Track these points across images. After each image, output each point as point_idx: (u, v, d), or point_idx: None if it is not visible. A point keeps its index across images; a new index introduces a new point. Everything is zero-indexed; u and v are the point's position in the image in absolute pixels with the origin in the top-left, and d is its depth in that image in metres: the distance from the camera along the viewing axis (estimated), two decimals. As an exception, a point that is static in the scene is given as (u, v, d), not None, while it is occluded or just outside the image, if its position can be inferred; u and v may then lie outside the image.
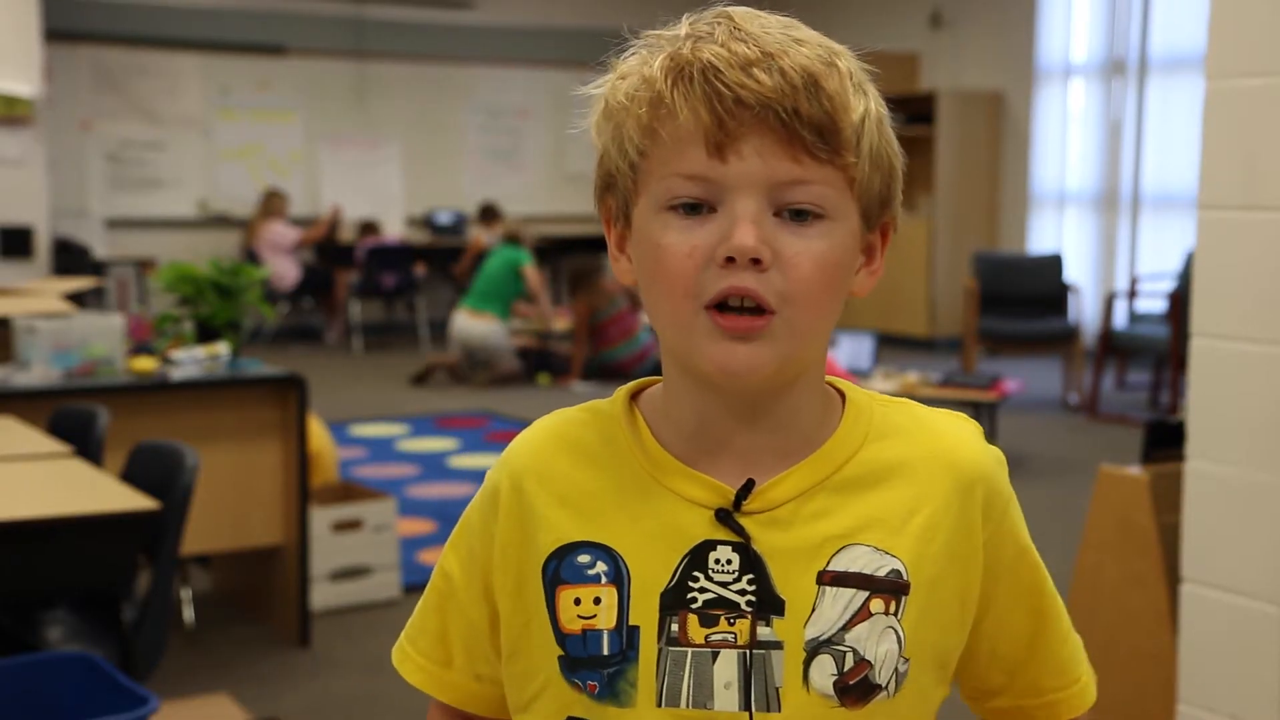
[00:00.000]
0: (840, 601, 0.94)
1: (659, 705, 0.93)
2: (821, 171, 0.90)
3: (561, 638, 0.96)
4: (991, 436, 6.66)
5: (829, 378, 1.02)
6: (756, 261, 0.89)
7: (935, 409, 1.03)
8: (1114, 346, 8.37)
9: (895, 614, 0.94)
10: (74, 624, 2.86)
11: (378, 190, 11.78)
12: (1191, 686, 2.57)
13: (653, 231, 0.92)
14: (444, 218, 11.91)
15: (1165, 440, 3.06)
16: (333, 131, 11.71)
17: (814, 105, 0.88)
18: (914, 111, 10.71)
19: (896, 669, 0.94)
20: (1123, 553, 3.04)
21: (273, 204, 10.87)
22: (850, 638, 0.93)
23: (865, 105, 0.92)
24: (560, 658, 0.96)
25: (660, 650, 0.94)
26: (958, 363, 9.03)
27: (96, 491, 2.78)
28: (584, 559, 0.96)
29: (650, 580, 0.95)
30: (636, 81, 0.92)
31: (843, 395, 1.01)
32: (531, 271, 9.17)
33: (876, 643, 0.94)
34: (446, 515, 5.62)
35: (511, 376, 9.08)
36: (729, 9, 0.94)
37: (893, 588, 0.94)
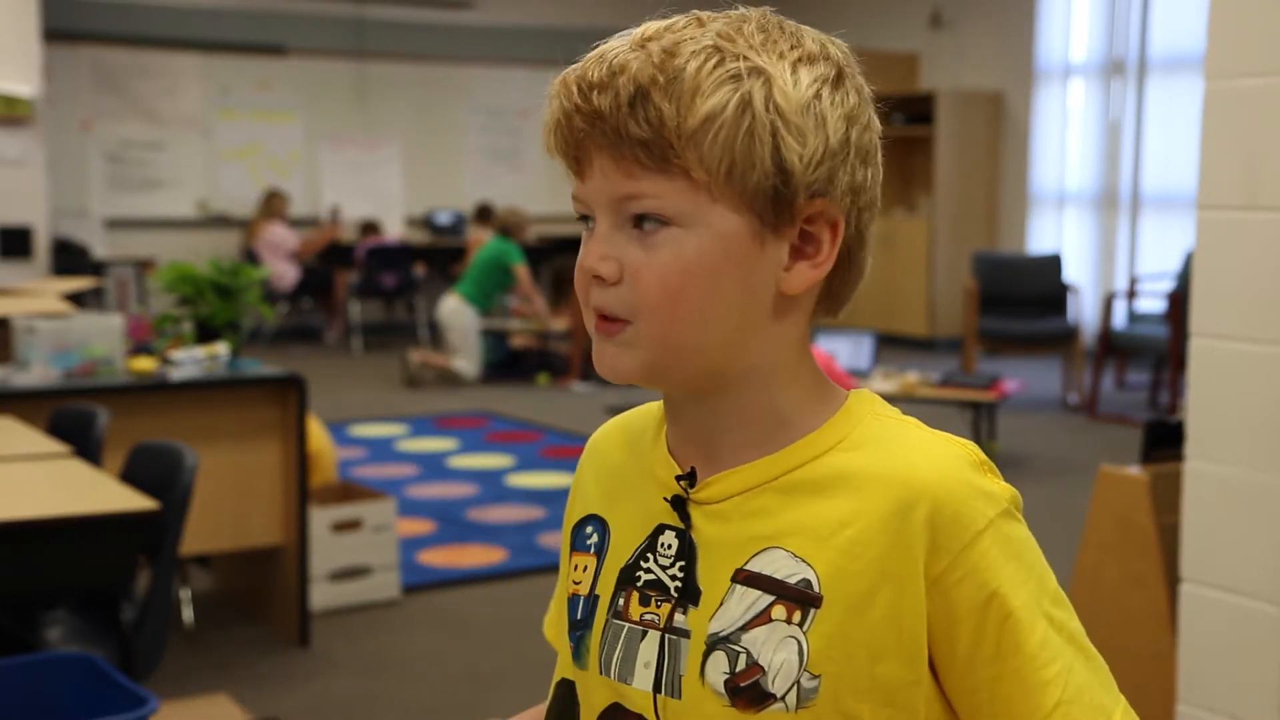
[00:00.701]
0: (745, 601, 0.93)
1: (601, 672, 0.99)
2: (657, 183, 0.91)
3: (566, 600, 1.05)
4: (991, 437, 6.66)
5: (856, 390, 1.00)
6: (603, 278, 0.93)
7: (941, 434, 0.97)
8: (1113, 346, 8.38)
9: (800, 625, 0.92)
10: (74, 624, 2.86)
11: (378, 190, 11.78)
12: (1191, 686, 2.57)
13: None
14: (444, 218, 11.91)
15: (1165, 440, 3.06)
16: (333, 131, 11.71)
17: (636, 121, 0.90)
18: (914, 111, 10.71)
19: (799, 682, 0.91)
20: (1122, 553, 3.04)
21: (273, 204, 10.87)
22: (747, 639, 0.93)
23: (722, 101, 0.89)
24: (569, 620, 1.04)
25: (607, 621, 0.99)
26: (957, 363, 9.03)
27: (96, 492, 2.78)
28: (589, 529, 1.05)
29: (620, 554, 1.01)
30: None
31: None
32: (523, 271, 9.12)
33: (773, 650, 0.92)
34: (446, 515, 5.62)
35: (449, 373, 8.97)
36: (656, 19, 0.95)
37: (799, 597, 0.92)
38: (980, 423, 6.51)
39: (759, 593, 0.93)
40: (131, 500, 2.69)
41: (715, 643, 0.93)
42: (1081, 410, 8.10)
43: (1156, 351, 8.04)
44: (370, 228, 11.10)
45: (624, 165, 0.91)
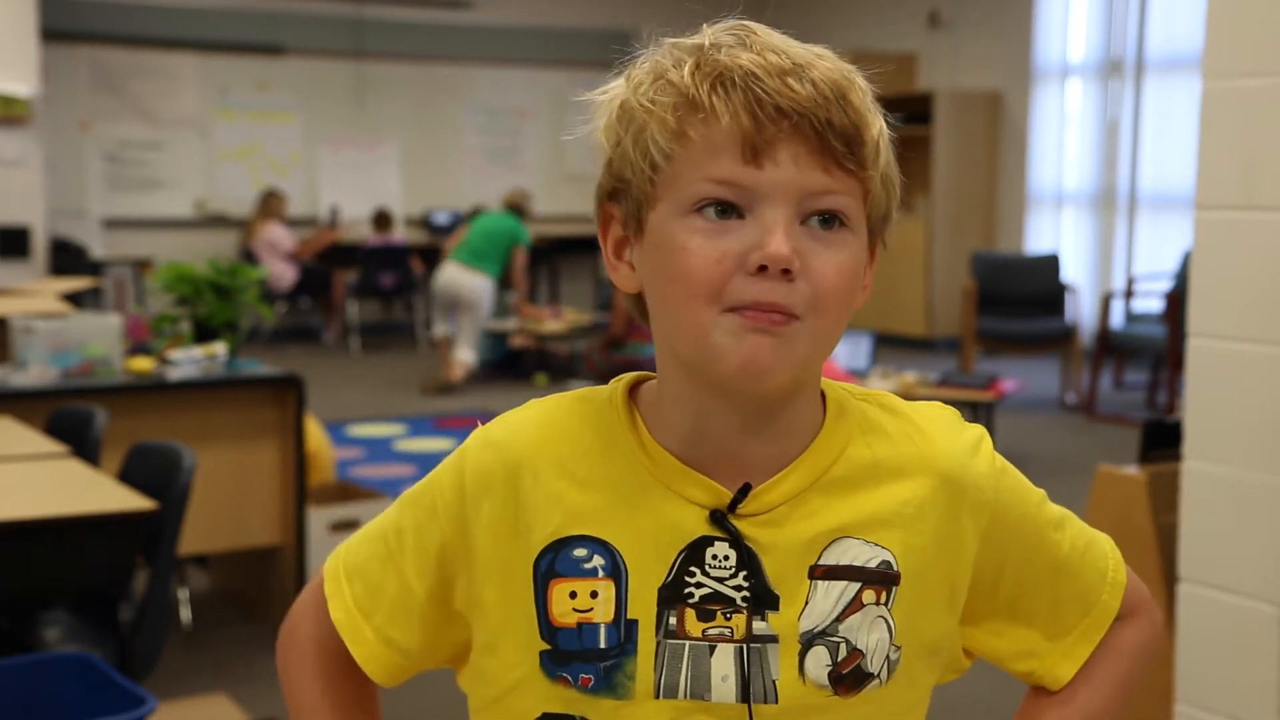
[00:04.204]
0: (833, 594, 0.96)
1: (657, 697, 0.94)
2: (846, 182, 0.91)
3: (552, 631, 0.96)
4: (989, 437, 6.62)
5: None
6: (787, 271, 0.89)
7: (912, 402, 1.05)
8: (1111, 346, 8.38)
9: (885, 604, 0.96)
10: (72, 624, 2.86)
11: (376, 190, 11.77)
12: (1189, 686, 2.57)
13: (675, 234, 0.91)
14: (442, 218, 11.90)
15: (1163, 440, 3.06)
16: (331, 131, 11.71)
17: (844, 117, 0.89)
18: (912, 111, 10.70)
19: (888, 657, 0.96)
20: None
21: (271, 205, 10.86)
22: (843, 628, 0.95)
23: (879, 123, 0.93)
24: (545, 652, 0.96)
25: (659, 643, 0.94)
26: (955, 363, 9.03)
27: (94, 492, 2.78)
28: (580, 552, 0.96)
29: (648, 575, 0.95)
30: (663, 85, 0.91)
31: (822, 391, 1.01)
32: (523, 255, 8.84)
33: (868, 632, 0.96)
34: (444, 515, 5.61)
35: (459, 373, 8.86)
36: (745, 22, 0.94)
37: (883, 578, 0.96)
38: (978, 423, 6.51)
39: (845, 582, 0.96)
40: (129, 500, 2.69)
41: (811, 639, 0.95)
42: (1079, 410, 8.10)
43: (1154, 351, 8.04)
44: (384, 219, 10.96)
45: (823, 159, 0.89)
